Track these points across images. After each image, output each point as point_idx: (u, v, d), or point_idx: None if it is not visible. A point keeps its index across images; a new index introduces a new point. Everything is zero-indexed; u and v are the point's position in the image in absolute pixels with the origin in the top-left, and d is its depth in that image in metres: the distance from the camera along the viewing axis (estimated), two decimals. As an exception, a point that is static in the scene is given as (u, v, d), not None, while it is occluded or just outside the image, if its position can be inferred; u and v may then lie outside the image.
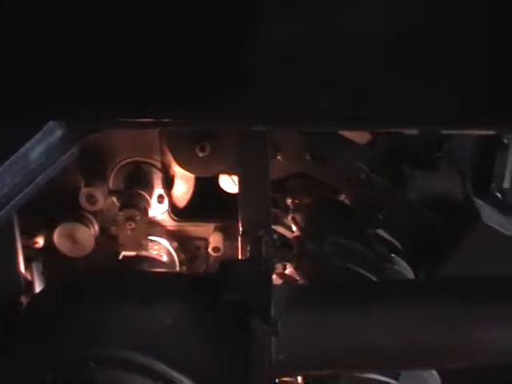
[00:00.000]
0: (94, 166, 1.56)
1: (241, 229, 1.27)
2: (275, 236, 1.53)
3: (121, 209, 1.54)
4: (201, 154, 1.40)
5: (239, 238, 1.32)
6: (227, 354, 1.00)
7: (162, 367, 1.00)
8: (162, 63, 0.86)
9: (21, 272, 1.21)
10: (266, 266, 1.07)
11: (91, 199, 1.53)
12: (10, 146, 0.84)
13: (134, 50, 0.85)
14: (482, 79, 0.89)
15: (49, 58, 0.85)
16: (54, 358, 1.01)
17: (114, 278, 1.15)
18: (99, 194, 1.54)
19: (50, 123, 0.86)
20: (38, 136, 0.85)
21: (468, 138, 1.44)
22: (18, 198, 0.84)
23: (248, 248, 1.19)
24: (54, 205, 1.53)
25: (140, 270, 1.53)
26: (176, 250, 1.66)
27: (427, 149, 1.41)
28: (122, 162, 1.58)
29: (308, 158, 1.39)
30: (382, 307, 1.07)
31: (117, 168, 1.58)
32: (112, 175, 1.58)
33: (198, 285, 1.07)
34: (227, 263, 1.09)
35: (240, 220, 1.27)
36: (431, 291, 1.13)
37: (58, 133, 0.87)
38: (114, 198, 1.58)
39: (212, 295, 1.00)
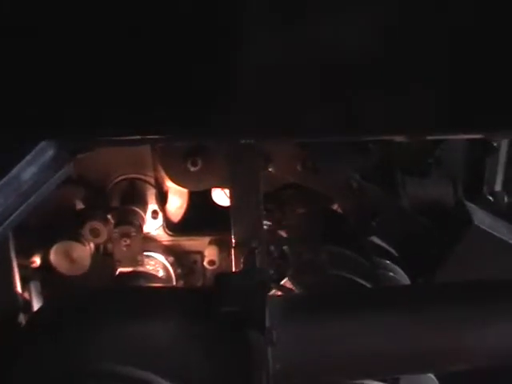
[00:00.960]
0: (89, 183, 1.57)
1: (234, 241, 1.27)
2: (271, 247, 1.53)
3: (116, 226, 1.55)
4: (192, 169, 1.41)
5: (232, 251, 1.32)
6: (226, 366, 1.00)
7: (161, 381, 1.00)
8: (149, 80, 0.87)
9: (18, 292, 1.21)
10: (260, 277, 1.07)
11: (94, 232, 1.54)
12: (3, 168, 0.84)
13: (124, 70, 0.86)
14: (466, 83, 0.90)
15: (40, 79, 0.86)
16: (53, 373, 1.01)
17: (112, 293, 1.15)
18: (102, 227, 1.54)
19: (42, 143, 0.87)
20: (29, 156, 0.86)
21: (458, 142, 1.45)
22: (11, 218, 0.85)
23: (242, 260, 1.20)
24: (48, 223, 1.54)
25: (137, 286, 1.53)
26: (172, 265, 1.66)
27: (418, 155, 1.42)
28: (116, 180, 1.59)
29: (300, 168, 1.39)
30: (379, 314, 1.08)
31: (111, 185, 1.59)
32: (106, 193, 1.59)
33: (194, 298, 1.07)
34: (222, 276, 1.10)
35: (233, 233, 1.28)
36: (428, 296, 1.14)
37: (50, 153, 0.88)
38: (109, 216, 1.58)
39: (208, 308, 1.01)
